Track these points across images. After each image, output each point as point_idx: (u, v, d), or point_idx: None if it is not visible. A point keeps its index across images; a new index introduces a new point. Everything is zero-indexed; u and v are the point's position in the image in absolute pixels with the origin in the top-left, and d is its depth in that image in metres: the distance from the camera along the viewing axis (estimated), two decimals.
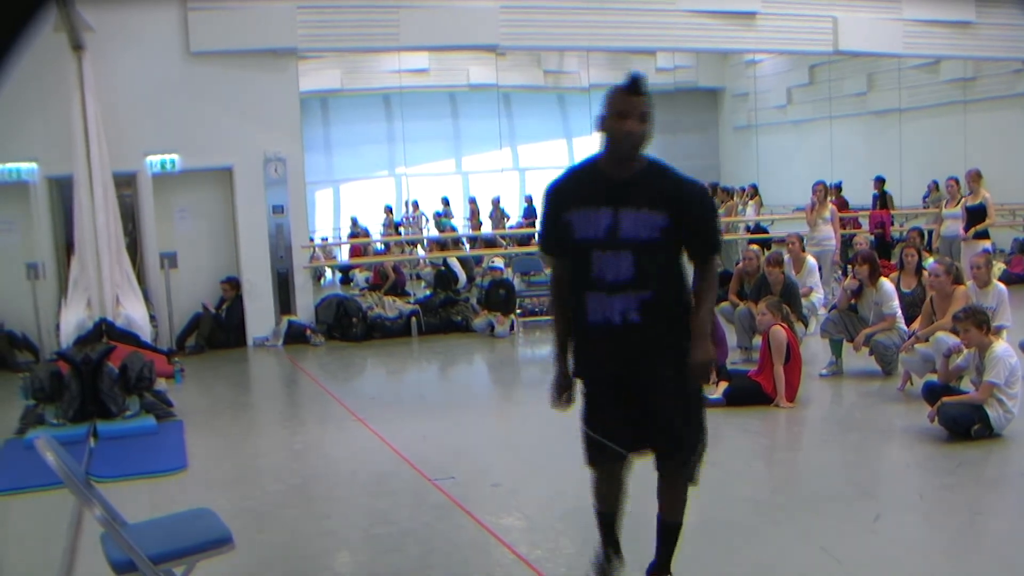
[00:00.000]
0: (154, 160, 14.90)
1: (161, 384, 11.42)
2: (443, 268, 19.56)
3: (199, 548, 4.91)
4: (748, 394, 9.94)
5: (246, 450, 9.76)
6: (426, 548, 6.51)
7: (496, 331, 15.42)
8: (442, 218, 27.18)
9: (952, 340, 9.53)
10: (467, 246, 23.71)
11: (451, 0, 16.01)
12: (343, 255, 25.25)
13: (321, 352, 15.00)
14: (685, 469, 5.03)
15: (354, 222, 27.19)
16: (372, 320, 15.80)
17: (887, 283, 11.23)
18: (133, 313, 12.97)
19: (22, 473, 8.27)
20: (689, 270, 5.00)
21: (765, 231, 22.63)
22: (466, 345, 15.18)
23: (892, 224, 20.58)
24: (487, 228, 26.88)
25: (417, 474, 8.23)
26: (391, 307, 16.41)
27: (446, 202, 28.28)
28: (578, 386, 5.19)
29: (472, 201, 29.00)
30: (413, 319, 15.92)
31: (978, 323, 8.55)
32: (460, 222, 28.26)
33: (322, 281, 22.80)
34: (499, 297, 15.87)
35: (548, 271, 17.46)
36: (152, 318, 14.01)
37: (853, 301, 11.37)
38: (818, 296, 13.47)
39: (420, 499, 7.61)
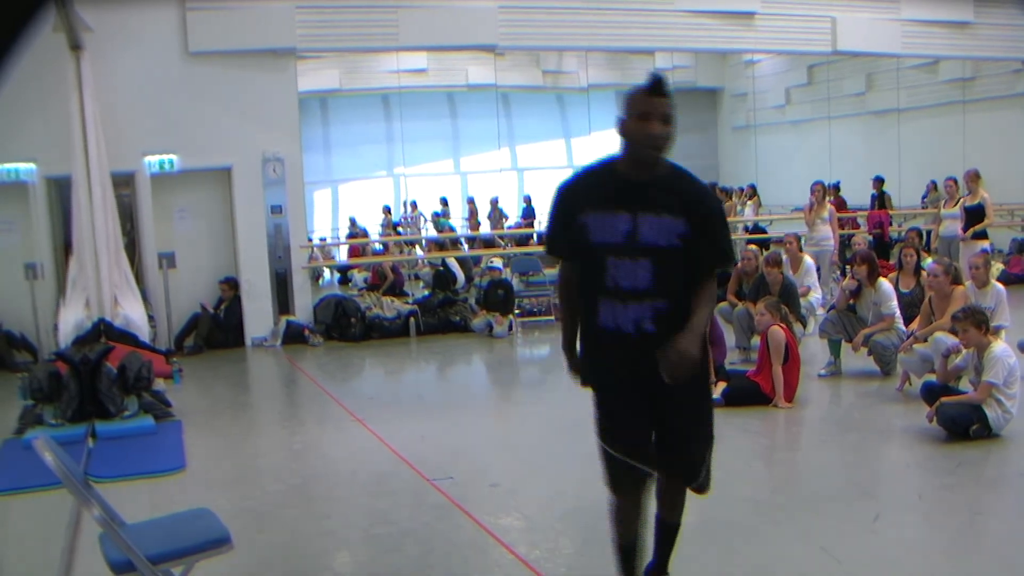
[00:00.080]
0: (152, 160, 14.90)
1: (159, 384, 11.41)
2: (441, 268, 19.56)
3: (198, 548, 4.91)
4: (747, 394, 9.93)
5: (245, 450, 9.75)
6: (425, 548, 6.50)
7: (495, 331, 15.42)
8: (440, 218, 27.18)
9: (951, 340, 9.53)
10: (465, 246, 23.70)
11: (450, 0, 16.00)
12: (342, 255, 25.24)
13: (319, 352, 15.00)
14: (696, 482, 4.96)
15: (352, 222, 27.19)
16: (370, 320, 15.80)
17: (886, 283, 11.23)
18: (131, 313, 12.96)
19: (21, 473, 8.27)
20: None
21: (764, 231, 22.64)
22: (464, 345, 15.18)
23: (891, 224, 20.59)
24: (485, 228, 26.88)
25: (416, 474, 8.23)
26: (389, 307, 16.41)
27: (444, 202, 28.27)
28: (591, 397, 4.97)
29: (470, 201, 28.99)
30: (411, 319, 15.92)
31: (977, 323, 8.55)
32: (458, 222, 28.25)
33: (320, 281, 22.81)
34: (497, 297, 15.86)
35: (548, 271, 17.47)
36: (150, 318, 14.01)
37: (852, 301, 11.37)
38: (816, 296, 13.49)
39: (419, 499, 7.60)
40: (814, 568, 5.95)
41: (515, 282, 17.39)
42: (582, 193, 4.75)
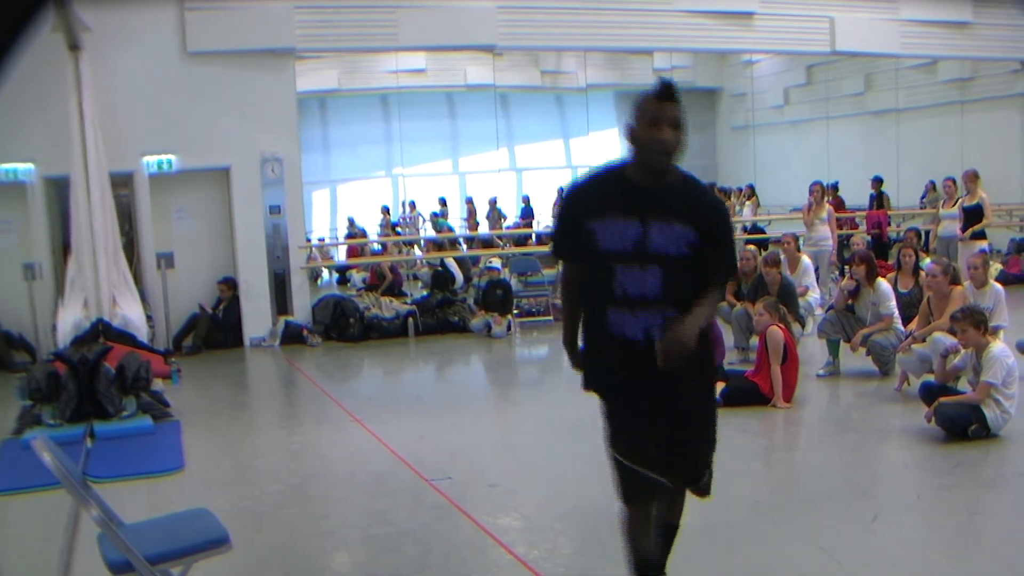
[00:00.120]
0: (151, 160, 14.89)
1: (158, 384, 11.41)
2: (440, 268, 19.56)
3: (196, 548, 4.91)
4: (745, 394, 9.93)
5: (244, 450, 9.75)
6: (424, 548, 6.50)
7: (493, 331, 15.42)
8: (439, 218, 27.19)
9: (949, 340, 9.53)
10: (464, 246, 23.70)
11: (449, 0, 16.00)
12: (340, 256, 25.24)
13: (318, 352, 15.00)
14: (698, 485, 4.93)
15: (351, 222, 27.20)
16: (369, 320, 15.80)
17: (884, 283, 11.23)
18: (130, 313, 12.96)
19: (19, 474, 8.26)
20: None
21: (762, 231, 22.65)
22: (463, 345, 15.18)
23: (889, 224, 20.59)
24: (484, 228, 26.88)
25: (415, 475, 8.22)
26: (388, 307, 16.40)
27: (443, 202, 28.28)
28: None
29: (469, 201, 29.00)
30: (410, 319, 15.92)
31: (976, 323, 8.55)
32: (457, 222, 28.25)
33: (319, 281, 22.81)
34: (496, 297, 15.86)
35: (546, 271, 17.45)
36: (149, 318, 13.99)
37: (850, 301, 11.37)
38: (814, 296, 13.50)
39: (418, 499, 7.60)
40: (814, 568, 5.95)
41: (514, 282, 17.40)
42: (591, 198, 4.62)
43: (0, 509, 7.96)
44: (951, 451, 8.26)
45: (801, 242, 15.36)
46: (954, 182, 16.84)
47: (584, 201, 4.65)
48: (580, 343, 4.88)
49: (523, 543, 6.53)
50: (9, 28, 1.75)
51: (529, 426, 10.17)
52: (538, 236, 23.50)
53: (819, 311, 13.14)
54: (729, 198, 25.45)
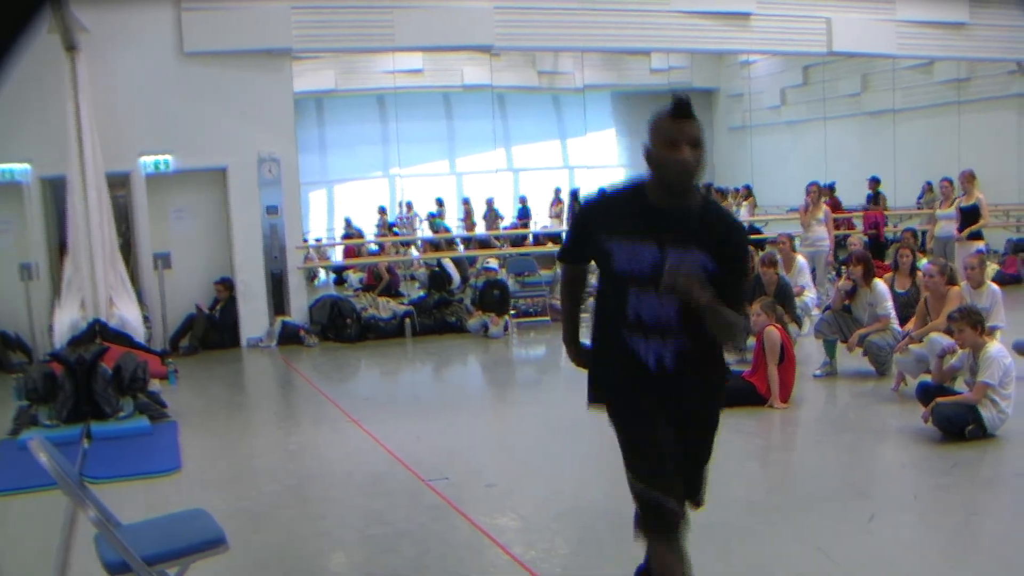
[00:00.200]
0: (148, 160, 14.88)
1: (155, 385, 11.40)
2: (437, 269, 19.56)
3: (193, 549, 4.90)
4: (742, 395, 9.92)
5: (241, 451, 9.74)
6: (421, 549, 6.50)
7: (490, 332, 15.41)
8: (436, 219, 27.20)
9: (946, 341, 9.54)
10: (461, 247, 23.70)
11: (446, 0, 16.00)
12: (337, 256, 25.24)
13: (315, 353, 15.00)
14: (697, 497, 4.69)
15: (348, 223, 27.21)
16: (366, 321, 15.79)
17: (881, 284, 11.25)
18: (127, 314, 12.96)
19: (16, 474, 8.26)
20: None
21: (759, 232, 22.65)
22: (460, 346, 15.18)
23: (886, 225, 20.61)
24: (481, 229, 26.89)
25: (412, 475, 8.22)
26: (385, 308, 16.40)
27: (440, 203, 28.28)
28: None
29: (466, 202, 29.01)
30: (407, 320, 15.92)
31: (973, 323, 8.56)
32: (454, 223, 28.25)
33: (316, 282, 22.80)
34: (493, 298, 15.86)
35: (543, 271, 17.45)
36: (146, 319, 13.99)
37: (847, 302, 11.38)
38: (810, 296, 13.50)
39: (415, 500, 7.60)
40: (811, 568, 5.95)
41: (511, 283, 17.39)
42: (608, 216, 4.42)
43: None
44: (948, 451, 8.26)
45: (798, 243, 15.37)
46: (951, 182, 16.86)
47: (601, 217, 4.46)
48: (584, 344, 4.74)
49: (520, 543, 6.53)
50: (8, 29, 1.74)
51: (526, 426, 10.18)
52: (535, 236, 23.52)
53: (816, 311, 13.14)
54: (726, 199, 25.47)
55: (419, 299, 17.11)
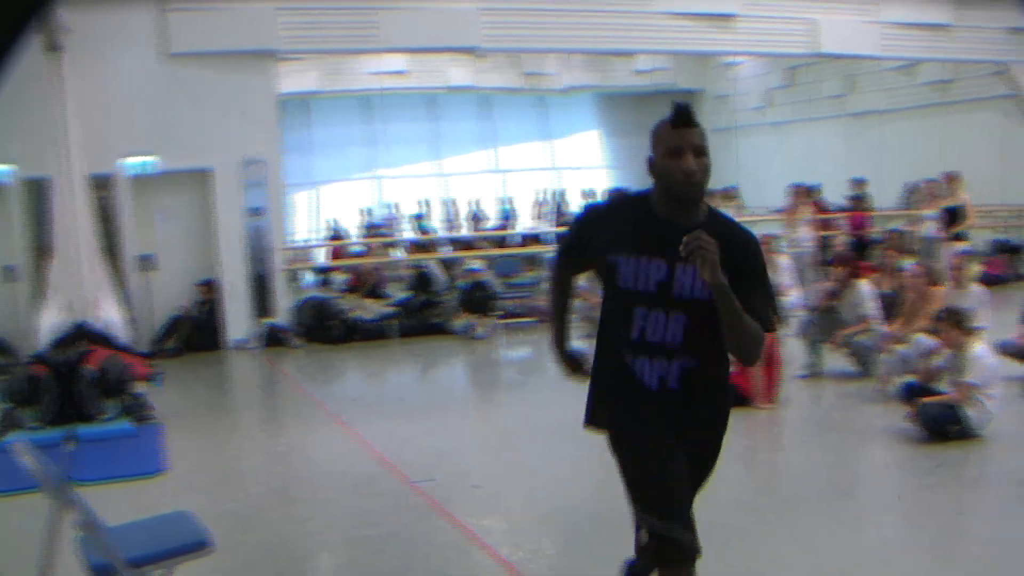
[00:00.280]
0: (132, 162, 14.83)
1: (140, 387, 11.36)
2: (421, 270, 19.53)
3: (178, 551, 4.88)
4: None
5: (226, 453, 9.72)
6: (407, 550, 6.49)
7: (475, 333, 15.41)
8: (421, 220, 27.20)
9: (930, 341, 9.57)
10: (446, 248, 23.68)
11: (431, 2, 15.98)
12: (321, 257, 25.20)
13: (300, 354, 14.97)
14: None
15: (333, 224, 27.20)
16: (351, 322, 15.78)
17: (865, 284, 11.28)
18: (111, 316, 12.90)
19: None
20: None
21: None
22: (445, 347, 15.17)
23: (870, 225, 20.65)
24: (466, 230, 26.90)
25: (398, 476, 8.21)
26: (370, 309, 16.38)
27: (425, 204, 28.28)
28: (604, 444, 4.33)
29: (451, 203, 29.03)
30: (392, 321, 15.90)
31: (957, 324, 8.59)
32: (439, 224, 28.26)
33: (300, 283, 22.73)
34: (478, 299, 15.87)
35: (529, 272, 17.42)
36: (131, 320, 13.93)
37: (831, 302, 11.40)
38: (794, 295, 13.52)
39: (401, 501, 7.59)
40: (800, 568, 5.96)
41: (495, 284, 17.39)
42: (613, 228, 4.20)
43: None
44: (933, 451, 8.29)
45: (784, 244, 15.40)
46: (935, 183, 16.91)
47: (605, 230, 4.24)
48: (574, 348, 4.55)
49: (507, 544, 6.52)
50: (7, 29, 1.73)
51: (512, 427, 10.17)
52: (523, 237, 23.53)
53: (800, 312, 13.16)
54: (712, 200, 25.48)
55: (404, 300, 17.09)
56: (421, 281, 18.45)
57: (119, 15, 14.42)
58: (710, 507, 6.74)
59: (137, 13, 14.66)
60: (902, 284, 11.44)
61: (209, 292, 15.46)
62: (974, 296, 10.52)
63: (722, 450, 4.36)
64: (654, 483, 4.12)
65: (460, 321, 15.78)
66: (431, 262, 19.88)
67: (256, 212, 15.59)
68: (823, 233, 18.74)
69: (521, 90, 29.06)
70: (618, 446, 4.24)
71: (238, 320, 15.53)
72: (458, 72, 26.47)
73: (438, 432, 9.96)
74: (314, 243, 26.44)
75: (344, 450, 9.32)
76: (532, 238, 23.34)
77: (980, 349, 8.64)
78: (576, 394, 4.56)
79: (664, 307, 4.03)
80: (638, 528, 4.16)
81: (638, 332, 4.09)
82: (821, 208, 20.57)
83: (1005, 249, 20.21)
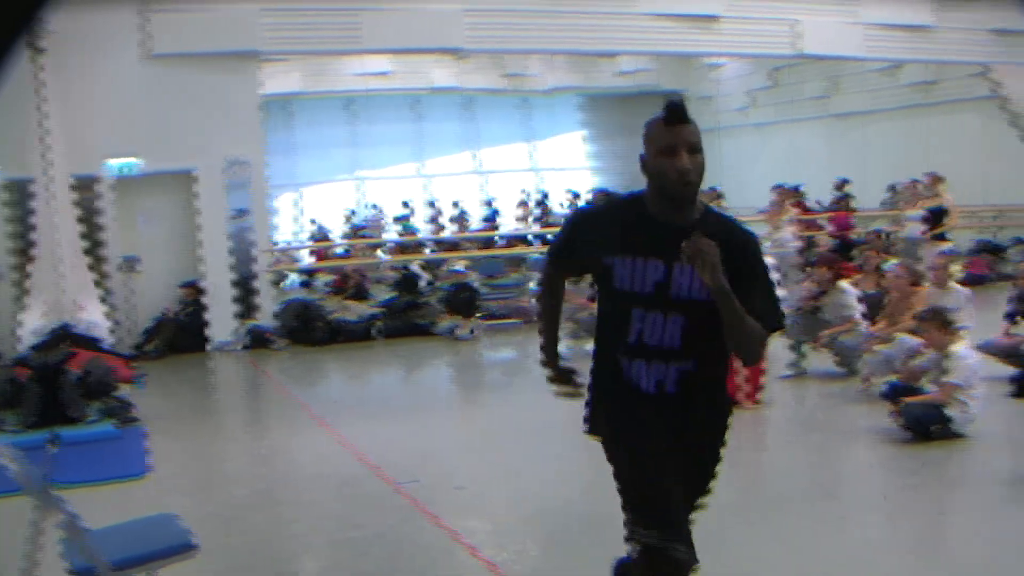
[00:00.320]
0: (114, 163, 14.78)
1: (122, 389, 11.33)
2: (405, 271, 19.52)
3: (161, 554, 4.86)
4: None
5: (210, 455, 9.70)
6: (391, 552, 6.48)
7: (459, 334, 15.40)
8: (404, 221, 27.19)
9: (913, 341, 9.60)
10: (429, 249, 23.69)
11: (414, 3, 15.95)
12: (305, 259, 25.17)
13: (284, 356, 14.94)
14: None
15: (316, 225, 27.17)
16: (335, 324, 15.76)
17: (848, 285, 11.31)
18: (94, 317, 12.87)
19: None
20: None
21: None
22: (429, 348, 15.16)
23: (853, 226, 20.71)
24: (449, 231, 26.91)
25: (382, 478, 8.20)
26: (353, 311, 16.36)
27: (408, 205, 28.27)
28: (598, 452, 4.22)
29: (434, 204, 29.02)
30: (376, 323, 15.89)
31: (940, 324, 8.62)
32: (422, 225, 28.26)
33: (283, 285, 22.70)
34: (461, 300, 15.85)
35: (512, 273, 17.40)
36: (113, 322, 13.89)
37: (814, 303, 11.43)
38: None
39: (385, 503, 7.58)
40: (783, 568, 5.97)
41: (479, 285, 17.38)
42: (608, 230, 4.08)
43: None
44: (916, 451, 8.31)
45: (768, 244, 15.43)
46: (917, 184, 16.97)
47: (599, 229, 4.15)
48: (563, 360, 4.39)
49: (491, 545, 6.52)
50: (7, 30, 1.72)
51: (496, 428, 10.17)
52: (506, 238, 23.52)
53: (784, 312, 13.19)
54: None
55: (387, 302, 17.08)
56: (405, 282, 18.45)
57: (101, 16, 14.35)
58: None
59: (119, 14, 14.60)
60: (885, 284, 11.47)
61: (193, 294, 15.42)
62: (957, 296, 10.55)
63: (722, 455, 4.30)
64: (648, 493, 4.00)
65: (444, 322, 15.77)
66: (415, 263, 19.86)
67: (239, 213, 15.56)
68: (806, 234, 18.78)
69: (504, 91, 29.08)
70: (614, 452, 4.13)
71: (222, 322, 15.48)
72: (441, 73, 26.46)
73: (422, 433, 9.96)
74: (294, 245, 26.43)
75: (328, 452, 9.31)
76: (516, 239, 23.35)
77: (963, 349, 8.67)
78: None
79: (662, 308, 3.92)
80: (630, 537, 4.01)
81: (636, 335, 3.97)
82: (805, 209, 20.65)
83: (987, 249, 20.31)
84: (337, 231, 27.06)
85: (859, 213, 21.55)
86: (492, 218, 28.46)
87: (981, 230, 21.57)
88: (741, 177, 26.93)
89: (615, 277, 3.99)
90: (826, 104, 25.92)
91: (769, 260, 13.84)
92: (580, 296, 12.51)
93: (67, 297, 12.77)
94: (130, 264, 14.85)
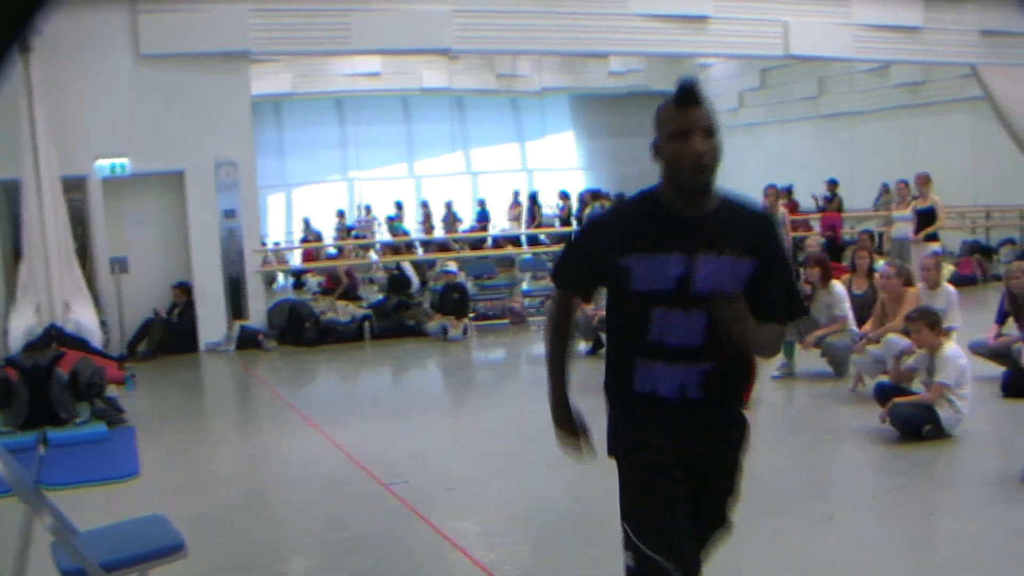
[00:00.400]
0: (104, 164, 14.76)
1: (112, 390, 11.31)
2: (396, 272, 19.52)
3: (151, 555, 4.85)
4: None
5: (200, 456, 9.68)
6: (381, 553, 6.48)
7: (449, 335, 15.39)
8: (394, 222, 27.19)
9: (903, 341, 9.61)
10: (420, 250, 23.70)
11: (404, 3, 15.94)
12: (296, 259, 25.16)
13: (274, 357, 14.93)
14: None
15: (307, 225, 27.15)
16: (325, 324, 15.75)
17: (838, 285, 11.32)
18: (83, 318, 12.85)
19: None
20: None
21: None
22: (419, 349, 15.15)
23: (843, 226, 20.77)
24: (440, 232, 26.91)
25: (372, 479, 8.19)
26: (344, 311, 16.36)
27: (399, 206, 28.26)
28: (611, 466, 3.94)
29: (424, 205, 29.01)
30: (366, 323, 15.88)
31: (929, 324, 8.63)
32: (413, 226, 28.26)
33: (274, 286, 22.70)
34: (452, 301, 15.85)
35: (502, 274, 17.39)
36: (103, 323, 13.87)
37: (805, 303, 11.43)
38: None
39: (375, 504, 7.57)
40: (774, 568, 5.98)
41: (470, 285, 17.39)
42: (622, 232, 3.76)
43: None
44: (906, 451, 8.33)
45: None
46: (907, 185, 17.01)
47: (611, 235, 3.79)
48: (575, 412, 4.03)
49: (481, 546, 6.51)
50: (6, 30, 1.71)
51: (486, 429, 10.17)
52: (495, 239, 23.54)
53: None
54: None
55: (378, 302, 17.08)
56: (396, 283, 18.46)
57: (90, 16, 14.32)
58: None
59: (109, 15, 14.58)
60: (874, 285, 11.49)
61: (183, 294, 15.40)
62: (946, 297, 10.58)
63: (739, 488, 4.10)
64: (652, 509, 3.76)
65: (435, 323, 15.77)
66: (406, 264, 19.86)
67: (229, 214, 15.54)
68: (797, 234, 18.82)
69: (495, 92, 29.09)
70: (624, 460, 3.87)
71: (212, 323, 15.46)
72: (432, 74, 26.47)
73: (412, 434, 9.95)
74: (284, 246, 26.41)
75: (318, 453, 9.29)
76: (508, 240, 23.37)
77: (952, 349, 8.69)
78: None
79: (683, 305, 3.65)
80: (626, 548, 3.76)
81: (656, 336, 3.70)
82: (795, 209, 20.70)
83: (976, 250, 20.38)
84: (328, 232, 27.05)
85: (849, 213, 21.61)
86: (483, 219, 28.46)
87: (971, 230, 21.63)
88: (731, 178, 26.68)
89: (633, 278, 3.70)
90: (816, 105, 25.99)
91: None
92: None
93: (57, 298, 12.75)
94: (119, 265, 14.83)
